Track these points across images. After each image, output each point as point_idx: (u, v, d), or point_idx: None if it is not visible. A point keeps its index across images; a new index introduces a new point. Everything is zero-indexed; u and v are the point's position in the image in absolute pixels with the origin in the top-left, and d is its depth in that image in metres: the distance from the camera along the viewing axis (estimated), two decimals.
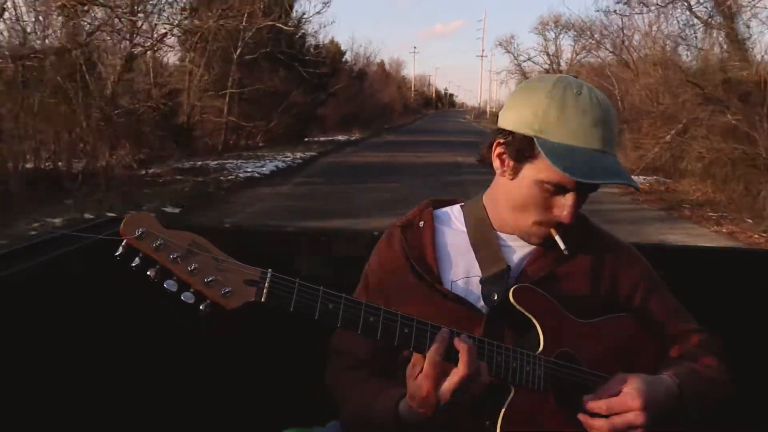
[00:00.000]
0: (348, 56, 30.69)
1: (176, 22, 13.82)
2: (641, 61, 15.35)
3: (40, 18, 10.07)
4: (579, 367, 1.17)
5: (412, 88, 70.38)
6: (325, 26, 33.90)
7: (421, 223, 1.29)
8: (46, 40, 10.25)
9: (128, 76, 12.10)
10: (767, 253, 2.10)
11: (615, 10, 16.00)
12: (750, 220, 8.55)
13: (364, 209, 8.88)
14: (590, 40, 21.81)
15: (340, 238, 1.85)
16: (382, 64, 46.83)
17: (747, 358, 1.37)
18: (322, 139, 22.89)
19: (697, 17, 13.22)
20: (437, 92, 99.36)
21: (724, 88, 10.85)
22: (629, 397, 1.10)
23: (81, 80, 10.10)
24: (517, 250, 1.25)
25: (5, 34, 9.66)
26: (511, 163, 1.19)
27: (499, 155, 1.21)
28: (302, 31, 21.00)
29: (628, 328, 1.25)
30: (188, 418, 1.68)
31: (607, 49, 18.89)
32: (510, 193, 1.21)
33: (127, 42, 12.03)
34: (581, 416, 1.12)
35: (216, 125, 16.36)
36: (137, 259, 0.95)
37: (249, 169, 13.16)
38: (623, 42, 16.79)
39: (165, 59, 14.94)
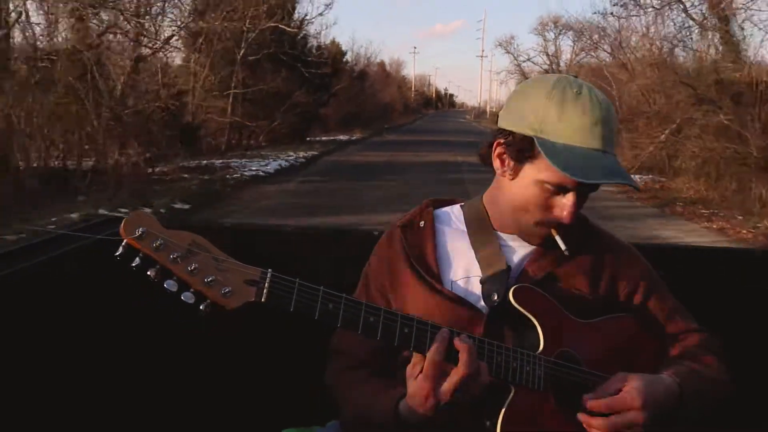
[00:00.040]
0: (349, 56, 30.85)
1: (183, 24, 14.10)
2: (638, 62, 15.52)
3: (53, 21, 10.37)
4: (579, 367, 1.17)
5: (413, 88, 70.39)
6: (327, 27, 34.12)
7: (422, 223, 1.29)
8: (55, 41, 10.55)
9: (138, 78, 12.42)
10: (767, 253, 2.09)
11: (611, 13, 16.27)
12: (740, 217, 8.82)
13: (370, 205, 9.11)
14: (588, 41, 21.92)
15: (340, 238, 1.85)
16: (382, 64, 46.91)
17: (747, 358, 1.37)
18: (323, 138, 23.05)
19: (692, 19, 13.43)
20: (437, 92, 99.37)
21: (717, 89, 11.07)
22: (629, 396, 1.10)
23: (91, 81, 10.35)
24: (518, 250, 1.25)
25: (18, 36, 9.98)
26: (512, 163, 1.19)
27: (500, 155, 1.21)
28: (304, 32, 21.35)
29: (628, 328, 1.25)
30: (188, 418, 1.68)
31: (605, 50, 19.09)
32: (510, 194, 1.21)
33: (135, 44, 12.33)
34: (581, 415, 1.12)
35: (220, 125, 16.57)
36: (137, 259, 0.95)
37: (253, 168, 13.38)
38: (620, 44, 17.00)
39: (170, 60, 15.29)
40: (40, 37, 10.48)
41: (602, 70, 17.74)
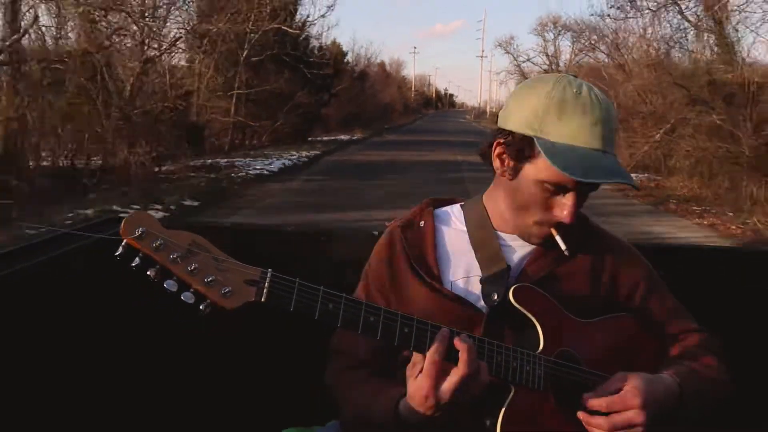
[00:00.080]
0: (349, 57, 31.01)
1: (190, 26, 14.49)
2: (635, 63, 15.75)
3: (64, 23, 10.70)
4: (579, 366, 1.17)
5: (413, 88, 70.39)
6: (329, 29, 34.23)
7: (422, 223, 1.29)
8: (65, 43, 10.89)
9: (146, 79, 12.74)
10: (767, 253, 2.09)
11: (608, 15, 16.57)
12: (731, 214, 9.19)
13: (372, 202, 9.39)
14: (586, 42, 22.05)
15: (340, 238, 1.84)
16: (382, 64, 46.98)
17: (747, 358, 1.37)
18: (324, 138, 23.25)
19: (688, 21, 13.70)
20: (437, 92, 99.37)
21: (710, 90, 11.31)
22: (630, 395, 1.10)
23: (101, 82, 10.64)
24: (518, 249, 1.25)
25: (27, 37, 10.18)
26: (511, 163, 1.19)
27: (499, 155, 1.21)
28: (306, 33, 21.61)
29: (628, 327, 1.25)
30: (188, 418, 1.68)
31: (602, 52, 19.28)
32: (510, 193, 1.21)
33: (143, 46, 12.65)
34: (581, 414, 1.12)
35: (223, 125, 16.87)
36: (137, 259, 0.95)
37: (258, 167, 13.66)
38: (617, 45, 17.26)
39: (174, 62, 15.62)
40: (51, 40, 10.81)
41: (600, 70, 17.88)
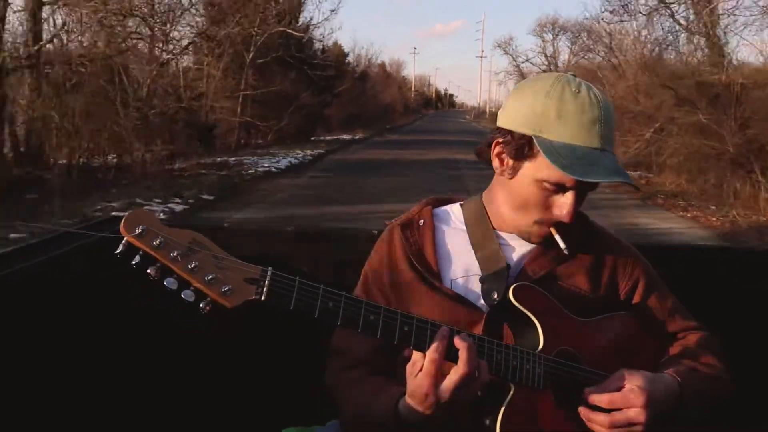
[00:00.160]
0: (350, 58, 31.22)
1: (203, 30, 15.28)
2: (628, 64, 16.03)
3: (84, 28, 11.29)
4: (579, 365, 1.17)
5: (413, 89, 70.39)
6: (333, 31, 34.56)
7: (421, 222, 1.29)
8: (85, 46, 11.43)
9: (162, 81, 13.48)
10: (767, 253, 2.09)
11: (602, 18, 17.08)
12: (714, 207, 9.88)
13: (376, 196, 9.92)
14: (584, 44, 22.28)
15: (340, 238, 1.84)
16: (383, 65, 47.04)
17: (747, 358, 1.37)
18: (327, 138, 23.66)
19: (679, 24, 14.15)
20: (437, 92, 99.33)
21: (697, 91, 11.72)
22: (632, 394, 1.10)
23: (119, 84, 11.32)
24: (517, 248, 1.25)
25: (54, 43, 10.87)
26: (511, 162, 1.19)
27: (499, 154, 1.21)
28: (310, 35, 22.10)
29: (627, 326, 1.25)
30: (188, 417, 1.68)
31: (597, 54, 19.58)
32: (509, 193, 1.21)
33: (158, 49, 13.63)
34: (582, 409, 1.12)
35: (230, 125, 17.40)
36: (137, 257, 0.95)
37: (265, 165, 14.24)
38: (611, 47, 17.74)
39: (182, 63, 16.26)
40: (71, 44, 11.37)
41: (595, 71, 18.14)
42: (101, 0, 10.69)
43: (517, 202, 1.20)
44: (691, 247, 3.16)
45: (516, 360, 1.11)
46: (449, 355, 1.04)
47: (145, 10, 12.53)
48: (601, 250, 1.28)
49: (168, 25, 13.63)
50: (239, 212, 8.93)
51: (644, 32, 15.74)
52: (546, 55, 30.31)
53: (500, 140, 1.20)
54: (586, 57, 21.93)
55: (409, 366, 1.06)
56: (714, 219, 9.17)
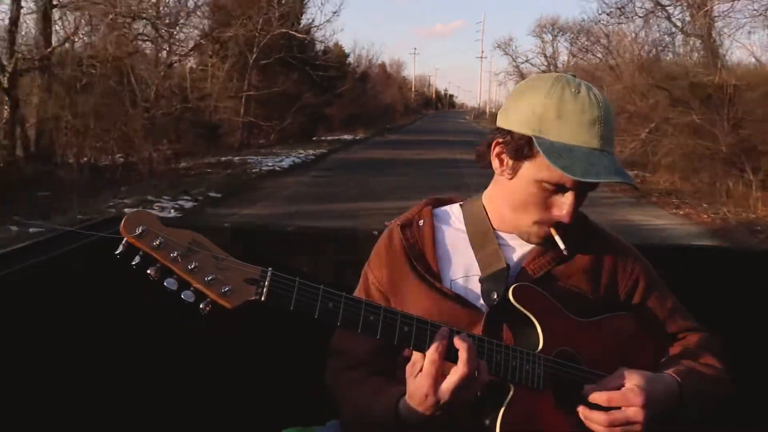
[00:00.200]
0: (351, 58, 31.34)
1: (208, 32, 15.72)
2: (625, 65, 16.27)
3: (94, 30, 11.65)
4: (578, 365, 1.17)
5: (413, 89, 70.39)
6: (335, 33, 34.84)
7: (421, 222, 1.29)
8: (90, 46, 11.80)
9: (170, 82, 13.85)
10: (767, 253, 2.09)
11: (599, 20, 17.24)
12: (706, 205, 10.18)
13: (378, 193, 10.25)
14: (582, 45, 22.44)
15: (340, 238, 1.84)
16: (383, 65, 47.09)
17: (747, 358, 1.37)
18: (329, 138, 23.93)
19: (675, 26, 14.40)
20: (437, 93, 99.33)
21: (691, 91, 11.99)
22: (631, 393, 1.10)
23: (127, 85, 11.65)
24: (517, 249, 1.25)
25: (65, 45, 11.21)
26: (510, 163, 1.19)
27: (498, 155, 1.21)
28: (312, 36, 22.42)
29: (627, 327, 1.25)
30: (188, 417, 1.68)
31: (595, 55, 19.73)
32: (509, 193, 1.21)
33: (165, 51, 14.10)
34: (581, 408, 1.12)
35: (233, 124, 17.74)
36: (137, 258, 0.95)
37: (269, 164, 14.62)
38: (608, 48, 17.97)
39: (186, 64, 16.59)
40: (81, 46, 11.75)
41: (592, 72, 18.33)
42: (110, 2, 11.01)
43: (517, 202, 1.20)
44: (691, 247, 3.16)
45: (516, 360, 1.11)
46: (449, 356, 1.04)
47: (153, 12, 12.90)
48: (601, 250, 1.28)
49: (176, 28, 14.10)
50: (246, 209, 9.21)
51: (642, 34, 15.99)
52: (545, 56, 30.39)
53: (500, 140, 1.20)
54: (584, 58, 22.00)
55: (408, 366, 1.07)
56: (705, 216, 9.46)
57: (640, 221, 8.94)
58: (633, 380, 1.11)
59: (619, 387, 1.12)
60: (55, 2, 10.85)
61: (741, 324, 1.55)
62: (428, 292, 1.21)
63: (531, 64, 31.21)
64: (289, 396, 1.60)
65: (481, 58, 77.67)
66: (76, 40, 11.47)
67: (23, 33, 10.75)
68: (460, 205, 1.33)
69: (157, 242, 0.95)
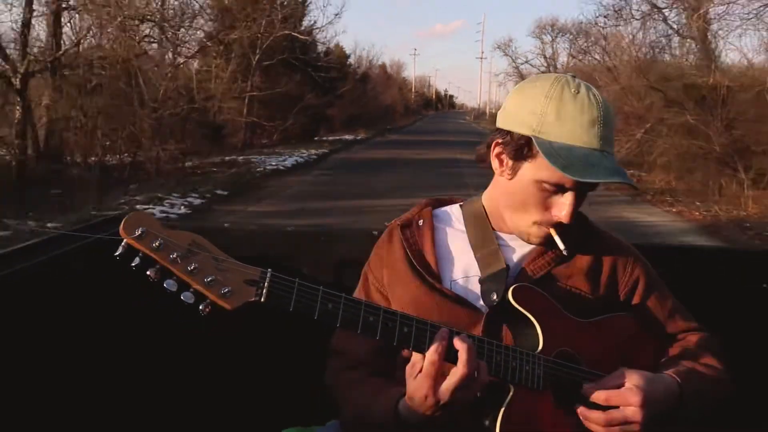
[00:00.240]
0: (352, 59, 31.50)
1: (214, 34, 16.11)
2: (623, 66, 16.33)
3: (103, 32, 11.98)
4: (578, 366, 1.17)
5: (413, 90, 70.40)
6: (337, 35, 35.07)
7: (421, 222, 1.29)
8: (98, 48, 12.09)
9: (176, 83, 14.13)
10: (767, 253, 2.09)
11: (596, 22, 17.73)
12: (698, 203, 10.55)
13: (380, 191, 10.54)
14: (581, 47, 22.59)
15: (340, 238, 1.85)
16: (383, 66, 47.16)
17: (747, 358, 1.37)
18: (330, 138, 24.20)
19: (672, 28, 14.76)
20: (437, 93, 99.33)
21: (685, 92, 12.28)
22: (630, 392, 1.10)
23: (135, 86, 11.93)
24: (516, 249, 1.25)
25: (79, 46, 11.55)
26: (510, 163, 1.19)
27: (498, 155, 1.21)
28: (314, 38, 22.71)
29: (627, 327, 1.25)
30: (188, 418, 1.68)
31: (593, 57, 19.92)
32: (509, 193, 1.21)
33: (171, 52, 14.50)
34: (579, 408, 1.12)
35: (237, 125, 18.07)
36: (137, 259, 0.95)
37: (273, 163, 15.01)
38: (605, 50, 18.28)
39: (190, 65, 16.84)
40: (91, 47, 12.00)
41: (590, 73, 18.45)
42: (118, 5, 11.23)
43: (517, 202, 1.20)
44: (691, 247, 3.16)
45: (515, 361, 1.11)
46: (449, 357, 1.04)
47: (158, 15, 13.13)
48: (601, 250, 1.28)
49: (183, 30, 14.46)
50: (252, 206, 9.52)
51: (639, 35, 16.16)
52: (545, 57, 30.45)
53: (500, 141, 1.20)
54: (582, 60, 22.08)
55: (408, 367, 1.07)
56: (697, 213, 9.84)
57: (634, 218, 9.20)
58: (632, 380, 1.11)
59: (618, 386, 1.12)
60: (65, 5, 11.12)
61: (741, 324, 1.55)
62: (428, 293, 1.21)
63: (531, 64, 31.37)
64: (289, 396, 1.60)
65: (481, 58, 77.83)
66: (85, 42, 11.74)
67: (34, 36, 11.10)
68: (460, 206, 1.33)
69: (157, 243, 0.95)
